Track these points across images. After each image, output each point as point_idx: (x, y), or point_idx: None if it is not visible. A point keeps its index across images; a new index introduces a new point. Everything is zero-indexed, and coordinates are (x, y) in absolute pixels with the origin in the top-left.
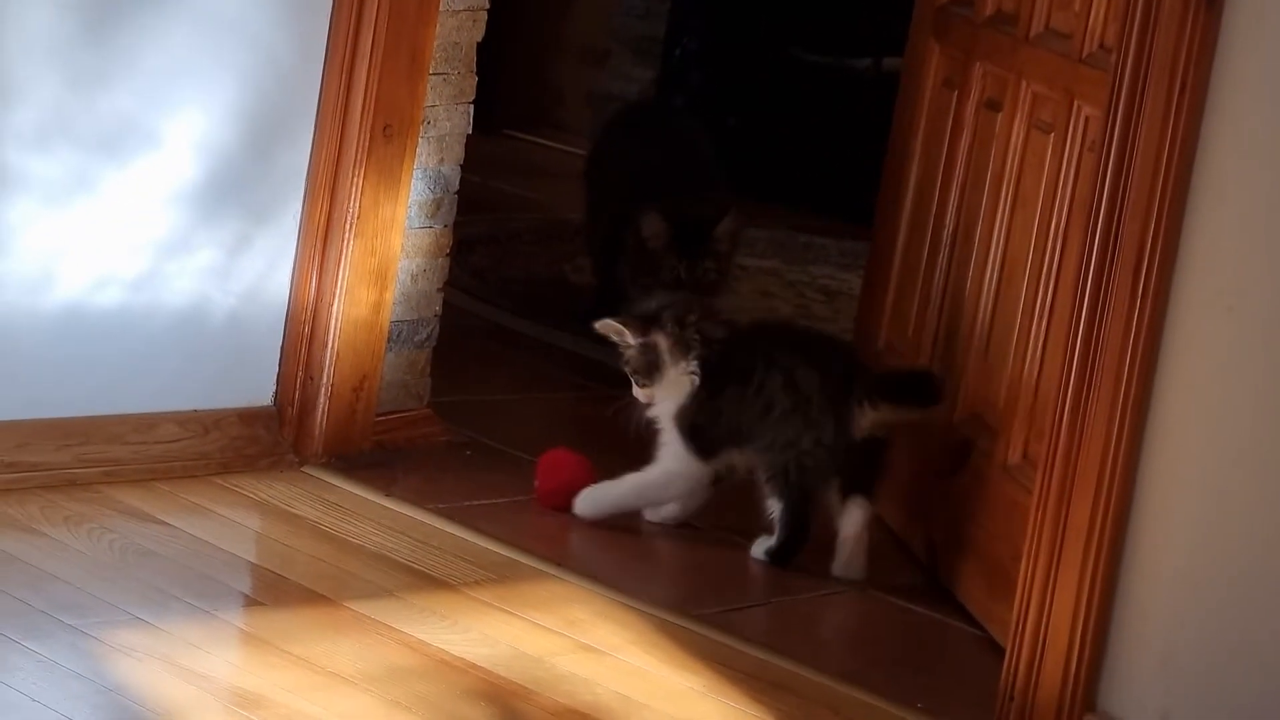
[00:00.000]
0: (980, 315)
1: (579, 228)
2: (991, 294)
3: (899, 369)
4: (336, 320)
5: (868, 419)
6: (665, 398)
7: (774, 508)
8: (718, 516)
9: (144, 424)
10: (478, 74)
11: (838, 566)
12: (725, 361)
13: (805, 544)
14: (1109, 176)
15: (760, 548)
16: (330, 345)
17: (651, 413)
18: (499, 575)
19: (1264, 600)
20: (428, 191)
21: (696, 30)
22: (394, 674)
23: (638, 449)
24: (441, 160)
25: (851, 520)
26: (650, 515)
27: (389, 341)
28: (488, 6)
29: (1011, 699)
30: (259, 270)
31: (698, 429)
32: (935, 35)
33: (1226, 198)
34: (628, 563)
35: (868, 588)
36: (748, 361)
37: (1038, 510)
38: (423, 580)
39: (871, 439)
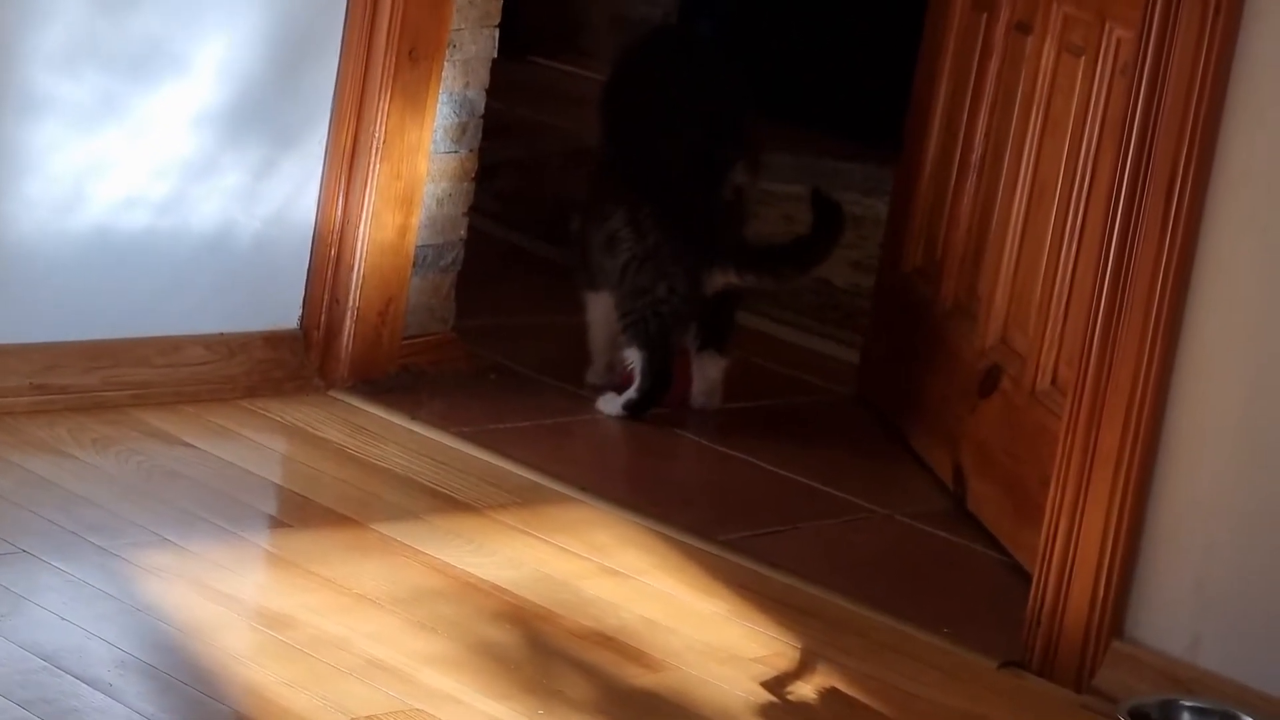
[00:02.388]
0: (1009, 240)
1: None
2: (1021, 219)
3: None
4: (362, 244)
5: (722, 281)
6: None
7: (633, 358)
8: (741, 442)
9: (171, 347)
10: None
11: (695, 398)
12: (592, 196)
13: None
14: (1141, 99)
15: (614, 403)
16: (356, 269)
17: None
18: (523, 499)
19: None
20: (453, 116)
21: None
22: (419, 596)
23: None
24: (467, 84)
25: (706, 376)
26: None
27: (414, 266)
28: None
29: (1038, 625)
30: (285, 194)
31: (577, 260)
32: None
33: (1261, 120)
34: (652, 487)
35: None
36: (604, 197)
37: (1067, 435)
38: (448, 503)
39: (723, 294)
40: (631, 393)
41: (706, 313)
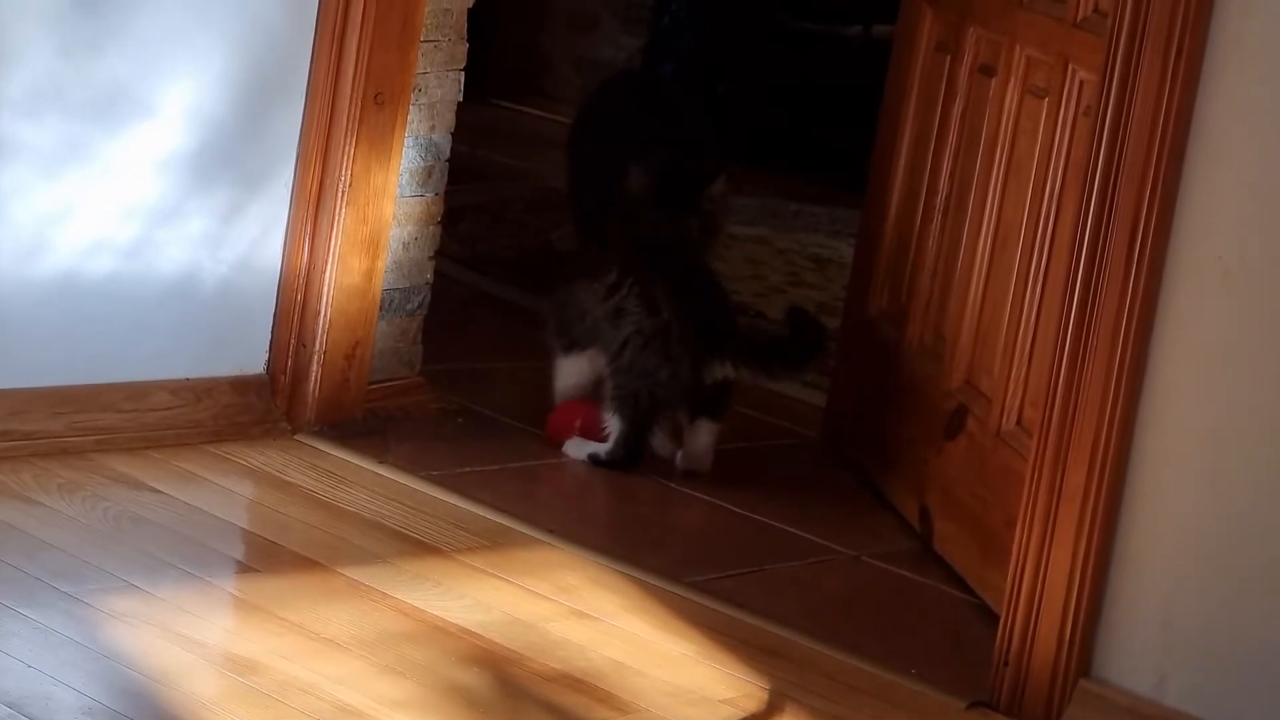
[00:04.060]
0: (974, 282)
1: (566, 197)
2: (985, 260)
3: (768, 333)
4: (329, 288)
5: (720, 374)
6: None
7: (611, 424)
8: (708, 484)
9: (137, 392)
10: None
11: (682, 462)
12: (580, 257)
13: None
14: (1104, 141)
15: (581, 448)
16: (323, 313)
17: None
18: (491, 541)
19: (1263, 559)
20: (419, 159)
21: None
22: (387, 639)
23: None
24: (433, 128)
25: (699, 440)
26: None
27: (381, 309)
28: None
29: (1006, 665)
30: (251, 238)
31: (552, 318)
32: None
33: (1223, 162)
34: (619, 529)
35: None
36: (602, 261)
37: (1033, 476)
38: (416, 546)
39: (722, 382)
40: (601, 452)
41: (704, 394)
